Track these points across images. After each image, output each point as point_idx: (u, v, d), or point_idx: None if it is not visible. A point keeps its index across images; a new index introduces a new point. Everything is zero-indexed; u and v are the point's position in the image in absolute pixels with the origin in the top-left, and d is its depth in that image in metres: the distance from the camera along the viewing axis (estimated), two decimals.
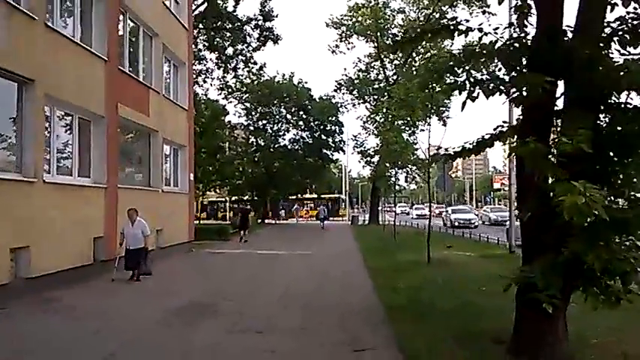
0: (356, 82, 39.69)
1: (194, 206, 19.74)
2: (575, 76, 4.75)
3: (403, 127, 22.63)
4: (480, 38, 5.38)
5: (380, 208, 42.41)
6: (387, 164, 23.16)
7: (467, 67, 5.15)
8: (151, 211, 14.46)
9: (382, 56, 39.61)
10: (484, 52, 5.12)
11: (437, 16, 37.51)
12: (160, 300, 9.31)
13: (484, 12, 35.38)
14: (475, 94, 5.03)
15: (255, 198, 44.30)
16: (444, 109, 33.65)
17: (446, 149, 5.74)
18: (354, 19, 39.14)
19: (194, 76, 33.22)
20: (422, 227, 35.12)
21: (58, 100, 10.85)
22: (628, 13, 4.92)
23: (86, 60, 12.01)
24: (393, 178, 23.63)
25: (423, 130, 15.59)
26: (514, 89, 5.08)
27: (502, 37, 5.34)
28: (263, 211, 45.75)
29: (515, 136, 5.42)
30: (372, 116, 38.15)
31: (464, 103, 5.19)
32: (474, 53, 5.12)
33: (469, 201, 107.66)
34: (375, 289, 10.10)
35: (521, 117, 5.53)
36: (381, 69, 40.19)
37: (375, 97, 39.25)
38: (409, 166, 25.94)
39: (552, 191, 4.56)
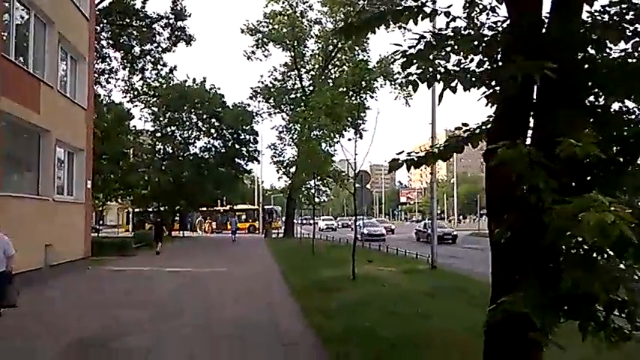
0: (272, 90, 38.61)
1: (92, 217, 17.56)
2: (568, 70, 4.00)
3: (323, 138, 21.85)
4: (448, 23, 4.51)
5: (295, 220, 41.35)
6: (305, 175, 22.26)
7: (442, 53, 4.25)
8: (39, 222, 12.49)
9: (299, 66, 38.93)
10: (459, 37, 4.26)
11: None
12: (27, 343, 7.26)
13: (400, 27, 36.07)
14: (453, 85, 4.15)
15: (162, 209, 41.66)
16: (361, 121, 33.42)
17: (408, 154, 4.73)
18: (270, 27, 38.16)
19: (96, 75, 30.60)
20: (332, 239, 35.09)
21: None
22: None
23: None
24: (312, 190, 22.75)
25: (350, 140, 14.74)
26: (494, 81, 4.26)
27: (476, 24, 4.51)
28: (170, 223, 43.19)
29: (488, 139, 4.59)
30: (288, 126, 37.29)
31: (441, 95, 4.29)
32: (448, 37, 4.24)
33: (377, 214, 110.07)
34: (303, 313, 9.00)
35: (493, 116, 4.71)
36: (297, 79, 39.47)
37: (292, 106, 38.41)
38: (327, 178, 25.25)
39: (540, 203, 3.75)
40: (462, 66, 4.26)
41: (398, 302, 9.56)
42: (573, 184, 4.22)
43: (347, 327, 7.36)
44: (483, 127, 4.65)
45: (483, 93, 4.52)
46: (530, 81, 4.08)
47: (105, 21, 27.55)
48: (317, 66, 39.56)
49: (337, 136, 20.50)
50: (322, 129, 21.38)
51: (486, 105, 4.87)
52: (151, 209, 43.69)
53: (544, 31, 4.46)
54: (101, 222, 63.79)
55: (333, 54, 38.41)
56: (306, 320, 8.36)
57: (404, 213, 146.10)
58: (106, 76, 31.31)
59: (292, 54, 38.56)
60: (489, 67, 4.28)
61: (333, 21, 38.66)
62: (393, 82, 36.59)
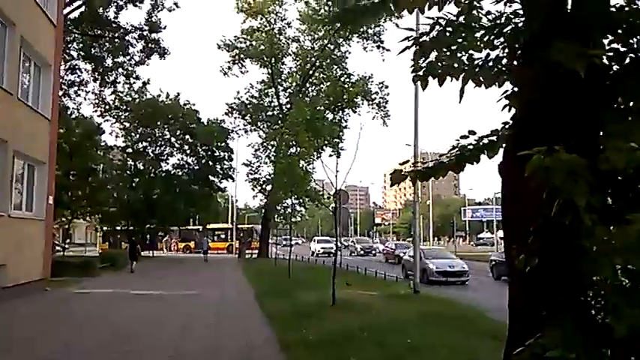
0: (249, 106, 37.79)
1: (56, 235, 16.39)
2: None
3: (301, 156, 21.06)
4: (461, 10, 3.82)
5: (271, 240, 40.21)
6: (283, 194, 21.40)
7: (464, 42, 3.54)
8: None
9: (276, 83, 38.32)
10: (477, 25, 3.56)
11: (331, 47, 37.30)
12: None
13: (378, 47, 35.96)
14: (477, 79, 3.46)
15: (131, 228, 40.12)
16: (339, 140, 32.63)
17: (413, 164, 3.97)
18: (247, 43, 37.55)
19: (65, 86, 29.44)
20: (307, 260, 34.12)
21: None
22: None
23: None
24: (289, 209, 21.87)
25: (331, 156, 14.03)
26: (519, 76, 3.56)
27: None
28: (145, 243, 41.69)
29: (509, 146, 3.89)
30: (264, 144, 36.46)
31: (462, 91, 3.59)
32: (466, 24, 3.53)
33: (353, 234, 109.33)
34: (280, 345, 8.09)
35: (511, 120, 4.02)
36: (274, 96, 38.81)
37: (269, 123, 37.68)
38: (304, 197, 24.43)
39: (576, 224, 3.05)
40: (482, 58, 3.57)
41: (384, 332, 8.77)
42: (610, 201, 3.56)
43: None
44: (498, 135, 3.96)
45: (504, 93, 3.84)
46: (566, 74, 3.40)
47: (75, 31, 26.51)
48: (294, 84, 39.05)
49: (316, 153, 19.74)
50: (300, 146, 20.67)
51: (503, 109, 4.19)
52: (119, 228, 42.04)
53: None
54: (68, 240, 61.68)
55: (311, 72, 37.97)
56: (285, 355, 7.47)
57: (378, 234, 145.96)
58: (76, 88, 30.08)
59: (270, 71, 37.96)
60: (515, 59, 3.60)
61: (311, 39, 38.37)
62: (370, 102, 36.33)
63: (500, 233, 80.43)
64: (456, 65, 3.58)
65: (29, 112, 14.68)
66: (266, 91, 38.95)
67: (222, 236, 52.66)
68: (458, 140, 4.20)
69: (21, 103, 14.06)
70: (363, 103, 35.86)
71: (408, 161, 4.56)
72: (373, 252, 46.94)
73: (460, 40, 3.51)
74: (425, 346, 7.58)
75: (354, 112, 34.59)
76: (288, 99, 38.36)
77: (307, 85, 38.50)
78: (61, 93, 29.68)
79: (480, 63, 3.59)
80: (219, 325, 10.38)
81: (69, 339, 8.80)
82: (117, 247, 39.58)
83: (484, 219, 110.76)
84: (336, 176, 12.36)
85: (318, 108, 18.69)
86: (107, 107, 36.88)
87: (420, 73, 3.69)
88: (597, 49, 3.04)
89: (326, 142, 18.07)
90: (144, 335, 9.14)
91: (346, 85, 28.29)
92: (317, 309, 11.49)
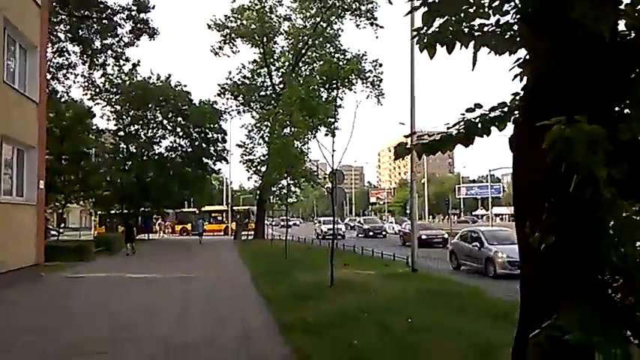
0: (241, 87, 37.28)
1: (50, 220, 16.13)
2: None
3: (295, 136, 20.77)
4: None
5: (267, 222, 40.08)
6: (278, 174, 21.17)
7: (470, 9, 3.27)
8: None
9: (268, 63, 37.77)
10: None
11: (324, 25, 36.72)
12: None
13: (372, 24, 35.41)
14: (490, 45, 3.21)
15: (125, 211, 39.86)
16: (333, 119, 32.10)
17: (419, 137, 3.72)
18: (238, 22, 36.86)
19: (53, 70, 28.83)
20: (303, 240, 34.07)
21: None
22: None
23: None
24: (285, 190, 21.65)
25: (327, 135, 13.67)
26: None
27: None
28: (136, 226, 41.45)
29: (519, 119, 3.67)
30: (257, 125, 36.04)
31: (475, 58, 3.34)
32: None
33: (348, 214, 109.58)
34: (280, 328, 7.95)
35: (523, 91, 3.78)
36: (267, 76, 38.29)
37: (262, 104, 37.24)
38: (299, 178, 24.22)
39: (596, 197, 2.85)
40: (492, 24, 3.32)
41: (384, 312, 8.64)
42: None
43: (337, 348, 6.36)
44: (507, 107, 3.73)
45: (517, 60, 3.60)
46: (586, 39, 3.16)
47: (62, 12, 25.86)
48: (287, 63, 38.51)
49: (310, 133, 19.49)
50: (294, 126, 20.37)
51: (514, 79, 3.94)
52: (113, 211, 41.80)
53: None
54: (63, 225, 61.40)
55: (303, 51, 37.42)
56: (284, 338, 7.32)
57: (374, 213, 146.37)
58: (64, 71, 29.43)
59: (262, 50, 37.39)
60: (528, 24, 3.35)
61: (303, 17, 37.74)
62: (365, 81, 35.88)
63: (495, 210, 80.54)
64: (465, 31, 3.34)
65: (15, 96, 14.29)
66: (258, 71, 38.42)
67: (219, 218, 52.63)
68: (464, 114, 3.96)
69: (7, 87, 13.65)
70: (357, 82, 35.44)
71: (413, 134, 4.35)
72: (383, 233, 43.77)
73: (466, 7, 3.24)
74: (425, 326, 7.45)
75: (350, 89, 34.09)
76: (281, 79, 37.87)
77: (300, 64, 37.98)
78: (49, 76, 29.07)
79: (491, 30, 3.34)
80: (215, 308, 10.22)
81: (61, 325, 8.63)
82: (113, 231, 39.37)
83: (478, 196, 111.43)
84: (332, 156, 12.13)
85: (312, 87, 18.30)
86: (97, 90, 36.28)
87: (426, 40, 3.44)
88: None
89: (320, 122, 17.81)
90: (139, 323, 8.98)
91: (341, 63, 27.77)
92: (315, 290, 11.36)
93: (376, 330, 7.27)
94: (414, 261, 15.07)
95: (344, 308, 9.01)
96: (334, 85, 13.69)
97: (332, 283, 11.97)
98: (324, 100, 16.33)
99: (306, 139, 21.12)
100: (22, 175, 14.93)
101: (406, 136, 3.78)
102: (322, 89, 16.05)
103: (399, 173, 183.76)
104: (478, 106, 4.02)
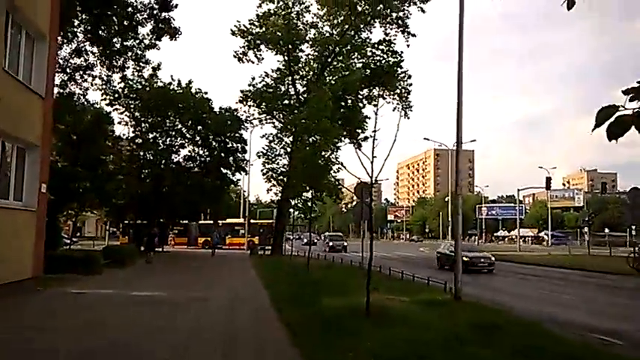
0: (264, 94, 35.73)
1: (44, 228, 14.63)
2: None
3: (321, 145, 19.10)
4: None
5: (288, 236, 38.40)
6: (303, 184, 19.48)
7: None
8: None
9: (292, 71, 36.29)
10: None
11: (352, 33, 35.24)
12: None
13: (403, 32, 33.81)
14: None
15: (139, 221, 38.50)
16: (360, 130, 30.46)
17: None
18: (263, 28, 35.48)
19: (71, 71, 27.71)
20: (324, 258, 32.17)
21: None
22: None
23: None
24: (309, 202, 19.93)
25: (367, 139, 11.76)
26: None
27: None
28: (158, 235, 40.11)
29: None
30: (279, 135, 34.51)
31: None
32: None
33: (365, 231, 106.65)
34: None
35: None
36: (290, 85, 36.78)
37: (285, 113, 35.70)
38: (322, 190, 22.54)
39: None
40: None
41: (442, 354, 6.81)
42: None
43: None
44: None
45: None
46: None
47: (80, 10, 24.70)
48: (312, 72, 37.04)
49: (338, 141, 17.90)
50: (320, 135, 18.76)
51: None
52: (127, 221, 40.51)
53: None
54: (78, 234, 60.24)
55: (329, 59, 35.91)
56: None
57: (391, 231, 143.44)
58: (82, 72, 28.21)
59: (286, 58, 35.94)
60: None
61: (330, 24, 36.29)
62: (392, 93, 34.12)
63: (515, 232, 77.53)
64: None
65: (18, 87, 12.87)
66: (282, 79, 36.91)
67: (242, 232, 50.78)
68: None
69: (7, 76, 12.24)
70: (385, 95, 33.69)
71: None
72: (344, 246, 49.11)
73: None
74: None
75: (390, 91, 32.03)
76: (305, 88, 36.37)
77: (325, 73, 36.47)
78: (66, 77, 28.00)
79: None
80: (230, 342, 8.44)
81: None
82: (136, 241, 37.90)
83: (499, 217, 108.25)
84: (371, 162, 10.39)
85: (346, 92, 16.73)
86: (116, 95, 35.21)
87: None
88: None
89: (348, 130, 16.10)
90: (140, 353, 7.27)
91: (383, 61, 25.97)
92: (349, 320, 9.51)
93: None
94: (457, 288, 13.15)
95: (391, 348, 7.19)
96: (375, 83, 11.91)
97: (368, 313, 10.14)
98: (361, 103, 14.56)
99: (332, 148, 19.47)
100: (21, 176, 13.44)
101: (605, 107, 2.04)
102: (360, 92, 14.28)
103: (418, 191, 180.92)
104: None
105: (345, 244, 51.53)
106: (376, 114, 11.90)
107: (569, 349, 8.08)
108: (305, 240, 48.77)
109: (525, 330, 9.47)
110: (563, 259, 38.24)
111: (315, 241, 55.75)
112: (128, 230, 45.39)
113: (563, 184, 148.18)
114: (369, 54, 33.83)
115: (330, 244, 48.99)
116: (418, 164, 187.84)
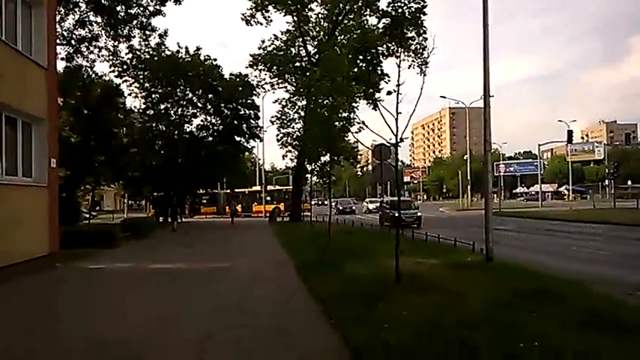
0: (275, 57, 34.61)
1: (57, 203, 14.18)
2: None
3: (338, 106, 18.18)
4: None
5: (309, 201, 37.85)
6: (319, 148, 18.71)
7: None
8: None
9: (302, 31, 35.04)
10: None
11: None
12: None
13: None
14: None
15: (155, 194, 38.23)
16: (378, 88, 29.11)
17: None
18: None
19: (76, 43, 27.00)
20: (343, 222, 31.73)
21: None
22: None
23: None
24: (327, 167, 19.24)
25: (391, 93, 10.92)
26: None
27: None
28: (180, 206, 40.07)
29: None
30: (293, 98, 33.55)
31: None
32: None
33: (382, 193, 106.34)
34: (348, 352, 5.60)
35: None
36: (301, 46, 35.60)
37: (297, 75, 34.64)
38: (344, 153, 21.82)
39: None
40: None
41: (490, 327, 6.19)
42: None
43: None
44: None
45: None
46: None
47: None
48: (322, 33, 35.74)
49: (356, 101, 17.01)
50: (335, 95, 17.85)
51: None
52: (151, 194, 40.27)
53: None
54: (98, 208, 60.51)
55: (340, 18, 34.54)
56: None
57: (408, 193, 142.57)
58: (87, 44, 27.45)
59: (295, 18, 34.66)
60: None
61: None
62: (407, 49, 32.71)
63: (536, 187, 76.14)
64: None
65: (17, 58, 12.19)
66: (292, 41, 35.69)
67: (268, 199, 50.08)
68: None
69: (5, 46, 11.57)
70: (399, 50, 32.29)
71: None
72: (353, 209, 55.20)
73: None
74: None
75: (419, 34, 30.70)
76: (316, 49, 35.16)
77: (337, 33, 35.13)
78: (72, 50, 27.28)
79: None
80: (258, 314, 7.93)
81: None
82: (162, 213, 37.58)
83: (518, 173, 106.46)
84: (396, 119, 9.61)
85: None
86: (124, 67, 34.42)
87: None
88: None
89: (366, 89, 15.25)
90: (159, 334, 6.80)
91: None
92: (379, 287, 8.94)
93: None
94: (488, 248, 12.47)
95: (429, 319, 6.58)
96: (397, 30, 11.01)
97: (398, 279, 9.56)
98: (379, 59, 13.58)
99: (351, 108, 18.55)
100: (29, 152, 12.91)
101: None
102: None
103: (434, 152, 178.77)
104: None
105: (354, 207, 57.21)
106: (399, 66, 11.07)
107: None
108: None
109: (575, 292, 8.67)
110: (589, 213, 37.31)
111: (354, 207, 56.35)
112: (156, 203, 44.54)
113: (582, 138, 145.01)
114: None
115: (340, 207, 53.53)
116: (433, 124, 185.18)
